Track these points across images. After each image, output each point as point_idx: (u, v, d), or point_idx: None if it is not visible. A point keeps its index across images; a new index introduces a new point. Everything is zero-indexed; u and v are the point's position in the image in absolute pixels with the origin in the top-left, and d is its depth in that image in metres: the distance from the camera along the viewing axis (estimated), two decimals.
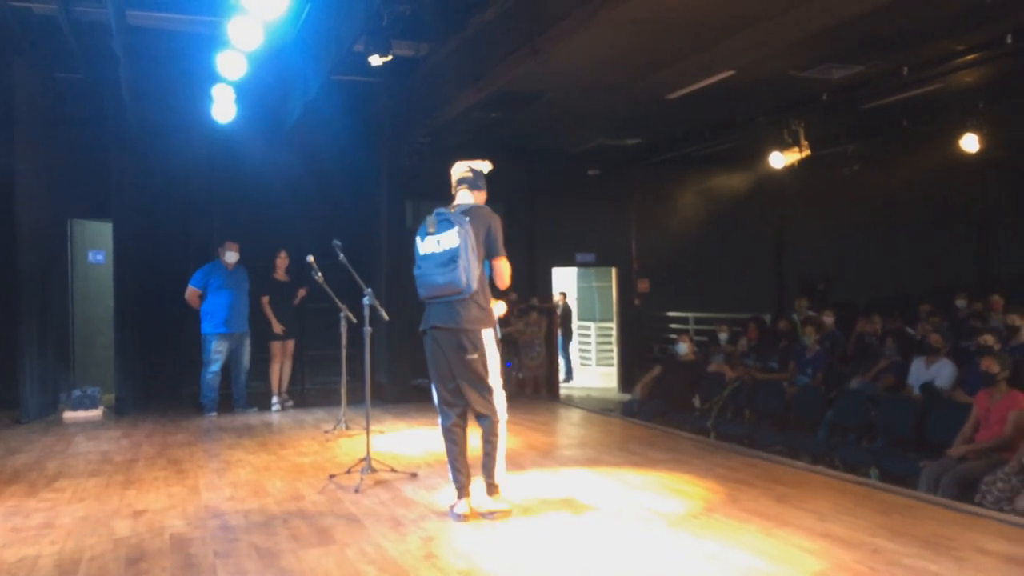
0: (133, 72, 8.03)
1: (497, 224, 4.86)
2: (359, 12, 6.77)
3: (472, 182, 5.05)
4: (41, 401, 9.00)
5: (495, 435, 4.79)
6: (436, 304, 4.77)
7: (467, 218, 4.75)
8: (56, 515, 5.07)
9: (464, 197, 4.97)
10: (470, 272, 4.65)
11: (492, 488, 4.85)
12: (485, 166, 5.14)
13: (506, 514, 4.80)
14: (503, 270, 4.82)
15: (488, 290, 4.82)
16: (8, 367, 9.13)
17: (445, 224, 4.74)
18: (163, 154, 10.30)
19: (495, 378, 4.79)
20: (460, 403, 4.85)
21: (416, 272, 4.85)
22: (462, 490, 4.84)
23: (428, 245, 4.79)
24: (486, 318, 4.76)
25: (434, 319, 4.78)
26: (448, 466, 4.92)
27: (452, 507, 4.87)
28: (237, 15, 6.53)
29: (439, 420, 4.96)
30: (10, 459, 6.86)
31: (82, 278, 10.70)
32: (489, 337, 4.77)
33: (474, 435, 4.93)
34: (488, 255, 4.79)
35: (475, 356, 4.71)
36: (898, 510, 4.91)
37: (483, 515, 4.79)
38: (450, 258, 4.67)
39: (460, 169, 5.08)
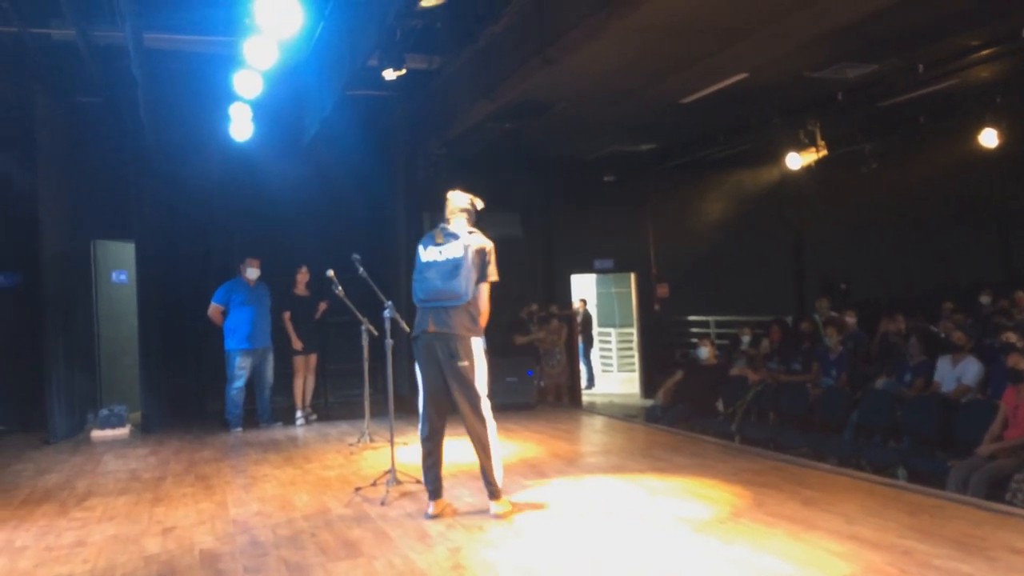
0: (151, 94, 8.14)
1: (492, 252, 5.14)
2: (372, 28, 6.82)
3: (471, 214, 5.30)
4: (69, 421, 9.10)
5: (487, 441, 5.04)
6: (431, 309, 5.04)
7: (472, 239, 5.10)
8: (87, 534, 5.13)
9: (461, 225, 5.17)
10: (468, 281, 4.97)
11: (493, 493, 5.11)
12: (479, 203, 5.38)
13: (509, 514, 5.08)
14: (484, 294, 5.11)
15: (479, 306, 5.09)
16: (35, 388, 9.24)
17: (451, 237, 5.07)
18: (182, 173, 10.40)
19: (482, 386, 5.05)
20: (443, 416, 5.17)
21: (416, 276, 5.15)
22: (433, 494, 5.19)
23: (430, 254, 5.10)
24: (476, 328, 5.06)
25: (428, 323, 5.05)
26: (422, 472, 5.22)
27: (427, 510, 5.20)
28: (252, 35, 6.60)
29: (419, 428, 5.21)
30: (40, 479, 6.94)
31: (106, 298, 10.82)
32: (478, 346, 5.05)
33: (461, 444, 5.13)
34: (478, 278, 5.06)
35: (466, 363, 4.99)
36: (927, 511, 4.87)
37: (494, 517, 5.05)
38: (454, 267, 4.99)
39: (462, 200, 5.31)
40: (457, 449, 7.58)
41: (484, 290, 5.12)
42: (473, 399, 5.02)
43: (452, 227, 5.12)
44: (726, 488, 5.61)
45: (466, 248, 4.99)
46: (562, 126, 10.68)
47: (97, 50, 7.96)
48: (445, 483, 6.02)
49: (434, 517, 5.11)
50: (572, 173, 13.62)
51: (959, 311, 10.06)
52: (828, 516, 4.79)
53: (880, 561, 3.97)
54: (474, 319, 5.06)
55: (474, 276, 5.00)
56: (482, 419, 5.03)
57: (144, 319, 9.79)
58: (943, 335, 8.63)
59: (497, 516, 5.04)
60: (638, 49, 7.44)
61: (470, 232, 5.13)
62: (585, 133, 11.54)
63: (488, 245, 5.14)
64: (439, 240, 5.08)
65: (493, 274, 5.13)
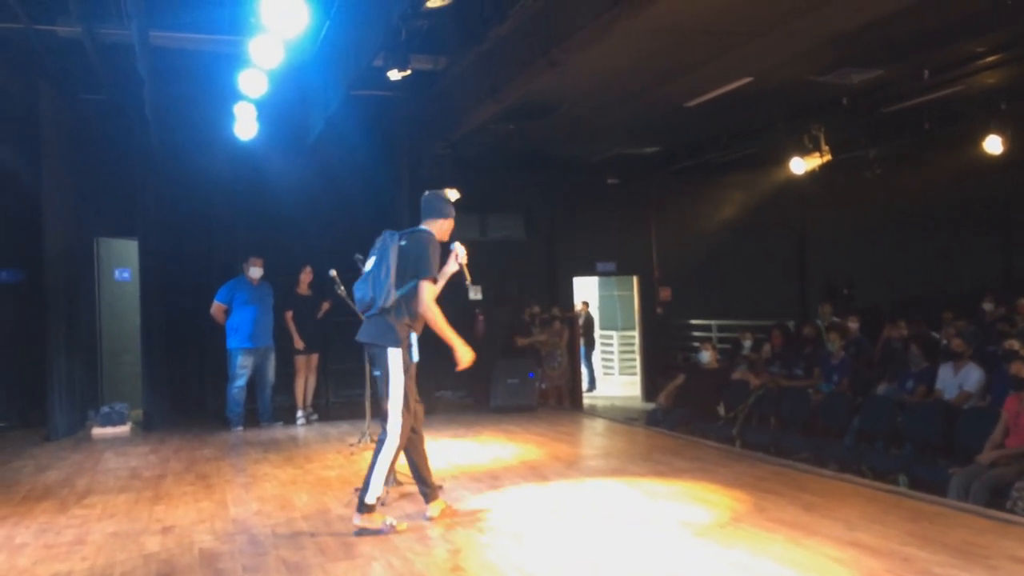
0: (156, 92, 8.14)
1: (427, 246, 4.87)
2: (378, 28, 6.83)
3: (426, 210, 5.09)
4: (70, 418, 9.10)
5: (378, 454, 4.79)
6: (364, 320, 4.96)
7: (403, 241, 4.89)
8: (87, 531, 5.13)
9: (422, 225, 5.04)
10: (379, 287, 4.78)
11: (363, 506, 4.80)
12: (451, 194, 5.25)
13: (393, 527, 4.80)
14: (422, 290, 4.81)
15: (404, 312, 4.83)
16: (37, 385, 9.24)
17: (378, 245, 4.94)
18: (187, 172, 10.41)
19: (395, 400, 4.81)
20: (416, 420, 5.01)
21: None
22: (426, 497, 5.10)
23: (368, 264, 4.97)
24: (394, 337, 4.80)
25: (360, 332, 4.99)
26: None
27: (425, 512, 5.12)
28: (258, 34, 6.61)
29: None
30: (41, 476, 6.95)
31: (109, 296, 10.83)
32: (395, 357, 4.81)
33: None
34: (413, 275, 4.82)
35: (378, 373, 4.86)
36: (928, 518, 4.86)
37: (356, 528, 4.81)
38: (368, 276, 4.89)
39: (429, 203, 5.13)
40: (460, 449, 7.60)
41: (419, 286, 4.80)
42: (384, 410, 4.84)
43: (401, 232, 4.96)
44: (726, 492, 5.60)
45: (383, 252, 4.82)
46: (567, 128, 10.67)
47: (103, 48, 7.96)
48: (446, 483, 6.05)
49: (429, 520, 5.06)
50: (576, 175, 13.60)
51: (962, 317, 10.04)
52: (829, 522, 4.78)
53: (880, 568, 3.96)
54: (390, 326, 4.80)
55: (393, 279, 4.76)
56: (385, 431, 4.82)
57: (146, 317, 9.80)
58: (945, 342, 8.61)
59: (358, 528, 4.79)
60: (644, 51, 7.43)
61: (412, 232, 4.94)
62: (590, 135, 11.53)
63: (428, 243, 4.87)
64: (375, 249, 4.96)
65: (427, 269, 4.80)
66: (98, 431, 9.02)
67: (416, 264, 4.81)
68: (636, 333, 15.25)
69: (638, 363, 15.26)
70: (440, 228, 5.07)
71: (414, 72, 7.50)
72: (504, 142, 11.06)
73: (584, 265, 14.39)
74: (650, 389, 13.83)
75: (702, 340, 12.45)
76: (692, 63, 7.92)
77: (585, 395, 13.00)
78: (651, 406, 11.30)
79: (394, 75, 7.17)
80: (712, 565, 4.12)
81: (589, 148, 12.59)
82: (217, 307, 9.20)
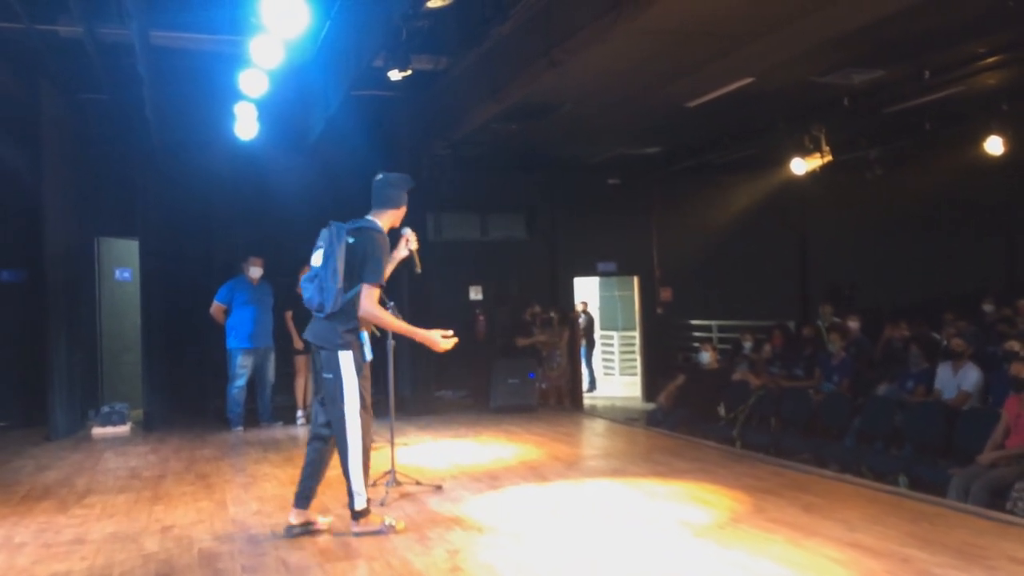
0: (157, 92, 8.14)
1: (377, 248, 4.69)
2: (378, 28, 6.83)
3: (379, 199, 4.92)
4: (70, 418, 9.10)
5: (347, 460, 4.68)
6: (313, 317, 4.81)
7: (351, 238, 4.68)
8: (86, 531, 5.13)
9: (371, 214, 4.86)
10: (327, 292, 4.60)
11: (355, 515, 4.77)
12: (401, 180, 5.03)
13: (392, 528, 4.81)
14: (364, 295, 4.62)
15: (353, 315, 4.67)
16: (37, 384, 9.26)
17: (325, 240, 4.72)
18: (187, 172, 10.42)
19: (350, 403, 4.66)
20: (320, 419, 4.84)
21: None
22: (296, 499, 4.85)
23: (314, 258, 4.78)
24: (343, 341, 4.64)
25: (307, 331, 4.86)
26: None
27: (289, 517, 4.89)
28: (258, 34, 6.61)
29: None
30: (40, 476, 6.95)
31: (109, 295, 10.84)
32: (347, 360, 4.65)
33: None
34: (361, 277, 4.65)
35: (329, 376, 4.68)
36: (928, 518, 4.86)
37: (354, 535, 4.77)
38: (314, 275, 4.70)
39: (380, 188, 4.97)
40: (459, 449, 7.60)
41: (363, 291, 4.62)
42: (337, 415, 4.68)
43: (350, 225, 4.75)
44: (726, 493, 5.60)
45: (329, 253, 4.62)
46: (567, 128, 10.67)
47: (104, 47, 7.96)
48: (446, 483, 6.04)
49: (293, 527, 4.81)
50: (576, 175, 13.60)
51: (963, 318, 10.03)
52: (828, 523, 4.78)
53: (880, 569, 3.95)
54: (340, 331, 4.64)
55: (341, 281, 4.58)
56: (344, 438, 4.67)
57: (147, 317, 9.81)
58: (945, 342, 8.60)
59: (358, 532, 4.76)
60: (645, 52, 7.43)
61: (359, 227, 4.73)
62: (590, 135, 11.53)
63: (374, 243, 4.67)
64: (320, 243, 4.76)
65: (374, 274, 4.62)
66: (98, 431, 9.02)
67: (363, 266, 4.64)
68: (637, 333, 15.24)
69: (638, 363, 15.26)
70: (392, 218, 4.92)
71: (415, 72, 7.49)
72: (505, 142, 11.05)
73: (585, 265, 14.38)
74: (650, 389, 13.82)
75: (702, 340, 12.45)
76: (693, 64, 7.91)
77: (585, 395, 12.99)
78: (651, 406, 11.29)
79: (395, 75, 7.16)
80: (711, 566, 4.11)
81: (590, 148, 12.58)
82: (217, 307, 9.20)
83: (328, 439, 4.85)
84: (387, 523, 4.82)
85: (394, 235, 5.00)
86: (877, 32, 7.31)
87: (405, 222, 5.12)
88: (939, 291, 13.85)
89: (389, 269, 4.90)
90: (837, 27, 6.96)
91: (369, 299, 4.64)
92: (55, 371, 8.95)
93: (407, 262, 5.17)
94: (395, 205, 4.93)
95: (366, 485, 4.76)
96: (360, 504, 4.75)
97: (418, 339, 4.87)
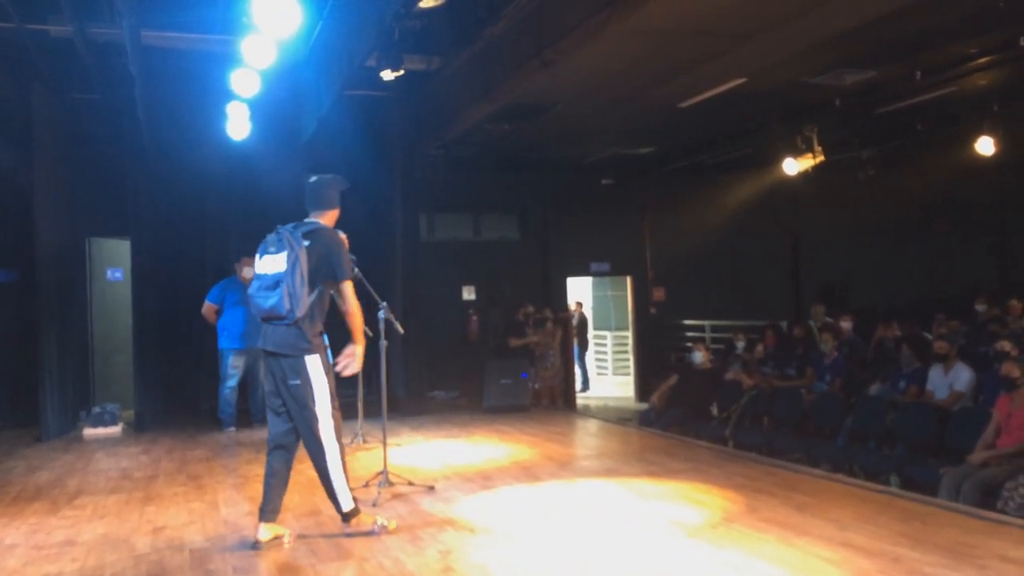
0: (148, 92, 8.12)
1: (338, 247, 4.68)
2: (371, 28, 6.82)
3: (314, 200, 4.87)
4: (61, 419, 9.07)
5: (325, 466, 4.62)
6: (267, 325, 4.67)
7: (307, 241, 4.60)
8: (77, 532, 5.11)
9: (308, 225, 4.74)
10: (295, 298, 4.51)
11: (345, 516, 4.71)
12: (335, 181, 4.99)
13: (384, 528, 4.76)
14: (346, 293, 4.68)
15: (317, 318, 4.64)
16: (28, 385, 9.20)
17: (281, 245, 4.60)
18: (179, 172, 10.39)
19: (322, 406, 4.61)
20: (280, 428, 4.72)
21: (249, 291, 4.74)
22: (261, 513, 4.69)
23: (263, 264, 4.65)
24: (310, 345, 4.59)
25: (264, 341, 4.67)
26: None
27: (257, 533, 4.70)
28: (250, 34, 6.59)
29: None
30: (31, 477, 6.92)
31: (100, 296, 10.80)
32: (314, 364, 4.60)
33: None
34: (325, 278, 4.63)
35: (298, 382, 4.58)
36: (919, 518, 4.87)
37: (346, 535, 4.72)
38: (275, 281, 4.55)
39: (317, 189, 4.92)
40: (452, 450, 7.59)
41: (342, 290, 4.67)
42: (309, 420, 4.59)
43: (297, 228, 4.65)
44: (719, 493, 5.61)
45: (291, 258, 4.51)
46: (560, 128, 10.68)
47: (94, 47, 7.93)
48: (438, 484, 6.04)
49: (257, 544, 4.62)
50: (569, 175, 13.62)
51: (955, 318, 10.06)
52: (820, 522, 4.79)
53: (871, 568, 3.96)
54: (307, 335, 4.57)
55: (307, 286, 4.52)
56: (319, 442, 4.60)
57: (139, 317, 9.77)
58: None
59: (350, 533, 4.72)
60: (637, 52, 7.44)
61: (312, 230, 4.66)
62: (583, 136, 11.54)
63: (334, 243, 4.67)
64: (271, 249, 4.63)
65: (344, 272, 4.65)
66: (89, 432, 8.99)
67: (331, 267, 4.63)
68: (630, 333, 15.26)
69: (632, 363, 15.27)
70: (331, 220, 4.87)
71: (407, 72, 7.50)
72: (498, 142, 11.06)
73: (578, 265, 14.40)
74: (643, 389, 13.84)
75: (695, 340, 12.47)
76: (685, 64, 7.93)
77: (578, 395, 12.99)
78: (644, 406, 11.30)
79: (387, 75, 7.17)
80: (704, 565, 4.12)
81: (583, 148, 12.59)
82: (208, 307, 9.17)
83: (292, 447, 4.75)
84: (379, 523, 4.79)
85: None
86: (869, 33, 7.34)
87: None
88: (931, 291, 13.90)
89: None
90: (829, 28, 6.98)
91: (350, 294, 4.69)
92: (46, 371, 8.91)
93: None
94: (333, 206, 4.90)
95: (349, 485, 4.71)
96: (348, 505, 4.70)
97: (357, 350, 4.78)
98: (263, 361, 4.88)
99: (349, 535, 4.72)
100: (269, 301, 4.56)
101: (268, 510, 4.69)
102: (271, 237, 4.68)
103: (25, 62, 8.54)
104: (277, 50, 6.85)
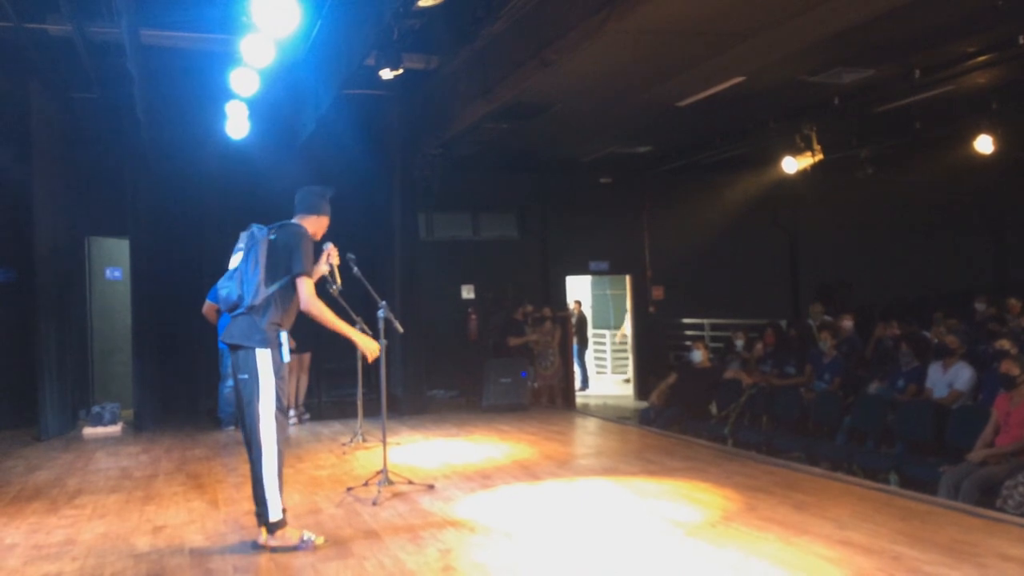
0: (147, 91, 8.11)
1: (301, 240, 4.59)
2: (369, 27, 6.82)
3: (301, 205, 4.86)
4: (60, 418, 9.07)
5: (259, 468, 4.46)
6: (229, 319, 4.63)
7: (273, 235, 4.60)
8: (77, 532, 5.11)
9: (295, 219, 4.80)
10: (247, 284, 4.49)
11: (270, 527, 4.51)
12: (324, 190, 4.97)
13: (311, 543, 4.54)
14: (301, 287, 4.53)
15: (274, 310, 4.52)
16: (27, 384, 9.21)
17: (246, 241, 4.64)
18: (178, 171, 10.39)
19: (265, 405, 4.45)
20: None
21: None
22: (259, 518, 4.58)
23: (232, 260, 4.68)
24: (261, 337, 4.47)
25: (225, 335, 4.62)
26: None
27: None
28: (249, 33, 6.59)
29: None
30: (31, 476, 6.92)
31: (100, 295, 10.80)
32: (265, 359, 4.47)
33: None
34: (286, 270, 4.53)
35: (246, 376, 4.48)
36: (918, 516, 4.88)
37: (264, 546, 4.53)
38: (233, 272, 4.60)
39: (304, 199, 4.92)
40: (452, 449, 7.60)
41: (298, 284, 4.51)
42: (250, 417, 4.46)
43: (271, 226, 4.67)
44: (718, 492, 5.61)
45: (249, 248, 4.54)
46: (559, 127, 10.68)
47: (93, 46, 7.93)
48: (438, 483, 6.05)
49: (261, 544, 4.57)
50: (568, 174, 13.61)
51: (953, 317, 10.07)
52: (820, 521, 4.80)
53: (871, 566, 3.97)
54: (259, 326, 4.47)
55: (262, 276, 4.46)
56: (257, 443, 4.45)
57: (138, 316, 9.78)
58: (936, 341, 8.64)
59: (266, 546, 4.51)
60: (635, 51, 7.44)
61: (281, 225, 4.66)
62: (582, 135, 11.54)
63: (298, 236, 4.59)
64: (239, 244, 4.66)
65: (300, 264, 4.51)
66: (89, 431, 8.99)
67: (289, 259, 4.52)
68: (629, 332, 15.26)
69: (631, 362, 15.28)
70: (315, 225, 4.81)
71: (406, 71, 7.49)
72: (496, 141, 11.05)
73: (577, 264, 14.40)
74: (642, 388, 13.85)
75: (694, 339, 12.47)
76: (683, 63, 7.93)
77: (578, 394, 13.00)
78: (643, 405, 11.31)
79: (386, 74, 7.16)
80: (703, 564, 4.12)
81: (581, 147, 12.59)
82: (209, 306, 9.14)
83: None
84: (305, 538, 4.55)
85: (316, 250, 4.85)
86: (867, 32, 7.34)
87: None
88: (928, 290, 13.92)
89: (314, 276, 4.76)
90: (828, 27, 6.98)
91: (306, 289, 4.52)
92: (45, 371, 8.91)
93: (326, 279, 5.07)
94: (318, 212, 4.85)
95: (281, 494, 4.52)
96: (275, 515, 4.49)
97: (353, 340, 4.75)
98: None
99: (274, 550, 4.49)
100: (223, 292, 4.59)
101: (258, 513, 4.62)
102: (241, 235, 4.71)
103: (24, 61, 8.53)
104: (276, 49, 6.85)
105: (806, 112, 10.79)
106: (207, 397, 10.14)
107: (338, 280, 5.12)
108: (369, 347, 4.84)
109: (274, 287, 4.52)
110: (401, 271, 10.42)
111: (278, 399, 4.50)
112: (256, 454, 4.48)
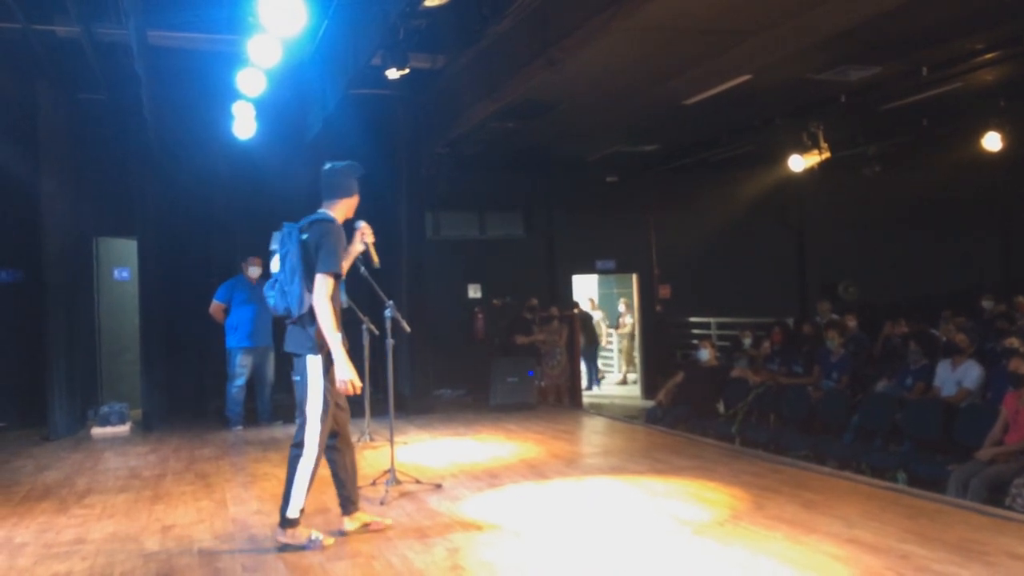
0: (155, 91, 8.14)
1: (331, 237, 4.51)
2: (376, 27, 6.82)
3: (329, 189, 4.76)
4: (69, 418, 9.10)
5: (295, 467, 4.52)
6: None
7: (304, 234, 4.55)
8: (86, 531, 5.13)
9: (324, 206, 4.72)
10: (290, 296, 4.51)
11: (284, 521, 4.57)
12: (350, 168, 4.89)
13: (319, 543, 4.56)
14: (317, 283, 4.45)
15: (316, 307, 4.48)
16: (36, 384, 9.25)
17: (282, 243, 4.61)
18: (185, 171, 10.41)
19: (314, 409, 4.50)
20: (340, 425, 4.73)
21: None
22: (342, 507, 4.80)
23: (274, 263, 4.67)
24: (311, 344, 4.51)
25: (284, 343, 4.68)
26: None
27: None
28: (256, 33, 6.60)
29: None
30: (40, 476, 6.95)
31: (108, 295, 10.84)
32: (315, 365, 4.52)
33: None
34: (309, 275, 4.50)
35: (298, 379, 4.57)
36: (926, 515, 4.87)
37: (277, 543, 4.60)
38: (274, 280, 4.63)
39: (331, 179, 4.83)
40: (459, 448, 7.60)
41: (316, 282, 4.45)
42: (300, 417, 4.54)
43: (303, 223, 4.60)
44: (726, 490, 5.61)
45: (284, 256, 4.53)
46: (565, 126, 10.68)
47: (101, 47, 7.96)
48: (445, 482, 6.06)
49: (346, 533, 4.78)
50: (575, 173, 13.61)
51: (961, 315, 10.04)
52: (828, 519, 4.79)
53: (879, 565, 3.96)
54: (308, 335, 4.50)
55: (306, 282, 4.46)
56: (300, 441, 4.51)
57: (146, 316, 9.80)
58: (944, 339, 8.62)
59: (281, 545, 4.57)
60: (641, 50, 7.44)
61: (311, 222, 4.57)
62: (588, 133, 11.54)
63: (328, 233, 4.50)
64: (273, 246, 4.65)
65: (327, 263, 4.44)
66: (97, 431, 9.02)
67: (317, 258, 4.47)
68: (636, 331, 15.26)
69: (638, 361, 15.27)
70: (345, 208, 4.76)
71: (412, 71, 7.50)
72: (503, 140, 11.05)
73: (583, 263, 14.40)
74: (649, 387, 13.84)
75: (701, 338, 12.46)
76: (690, 61, 7.92)
77: (584, 393, 13.00)
78: (650, 404, 11.30)
79: (392, 74, 7.17)
80: (711, 563, 4.12)
81: (588, 146, 12.59)
82: (216, 306, 9.20)
83: (336, 441, 4.72)
84: (313, 538, 4.58)
85: (348, 229, 4.79)
86: (874, 29, 7.32)
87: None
88: (936, 288, 13.88)
89: (346, 264, 4.74)
90: (834, 24, 6.96)
91: (323, 288, 4.45)
92: (54, 371, 8.95)
93: (359, 260, 5.02)
94: (347, 194, 4.78)
95: (306, 496, 4.57)
96: (294, 512, 4.56)
97: (335, 361, 4.49)
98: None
99: (282, 548, 4.54)
100: (272, 300, 4.65)
101: (345, 503, 4.80)
102: (274, 235, 4.70)
103: (32, 62, 8.57)
104: (283, 49, 6.86)
105: (813, 110, 10.76)
106: (215, 397, 10.15)
107: (375, 258, 5.00)
108: (345, 375, 4.47)
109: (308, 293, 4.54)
110: (408, 270, 10.43)
111: (325, 403, 4.54)
112: (296, 451, 4.55)
